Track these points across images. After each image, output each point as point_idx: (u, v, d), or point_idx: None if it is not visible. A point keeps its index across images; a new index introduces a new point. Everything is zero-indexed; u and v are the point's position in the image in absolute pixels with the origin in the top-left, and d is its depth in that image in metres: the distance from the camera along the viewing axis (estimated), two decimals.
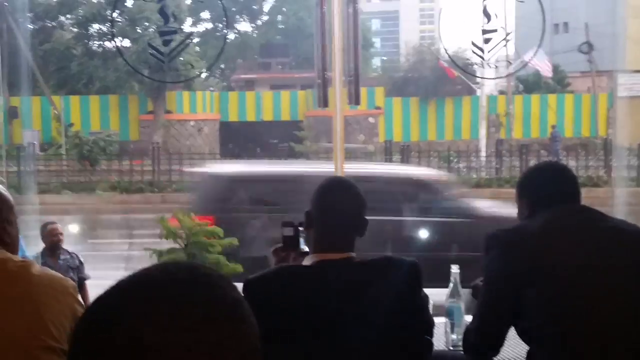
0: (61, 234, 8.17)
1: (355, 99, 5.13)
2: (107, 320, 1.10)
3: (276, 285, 2.84)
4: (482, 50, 5.43)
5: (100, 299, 1.14)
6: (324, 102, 5.12)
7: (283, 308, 2.77)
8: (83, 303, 2.85)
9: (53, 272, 2.91)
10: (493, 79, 21.99)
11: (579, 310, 3.03)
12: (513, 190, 3.49)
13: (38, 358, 2.59)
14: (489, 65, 5.39)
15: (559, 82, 40.10)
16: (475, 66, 5.67)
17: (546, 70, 33.81)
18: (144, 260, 15.50)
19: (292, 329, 2.75)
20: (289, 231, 3.40)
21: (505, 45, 5.51)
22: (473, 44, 5.54)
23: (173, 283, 1.14)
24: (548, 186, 3.32)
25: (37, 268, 2.76)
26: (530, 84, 39.67)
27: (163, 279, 1.14)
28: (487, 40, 5.43)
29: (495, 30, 5.43)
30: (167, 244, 9.96)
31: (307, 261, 2.99)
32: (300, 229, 3.31)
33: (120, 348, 1.06)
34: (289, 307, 2.79)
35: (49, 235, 8.05)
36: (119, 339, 1.07)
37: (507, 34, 5.62)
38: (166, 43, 5.20)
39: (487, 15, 5.39)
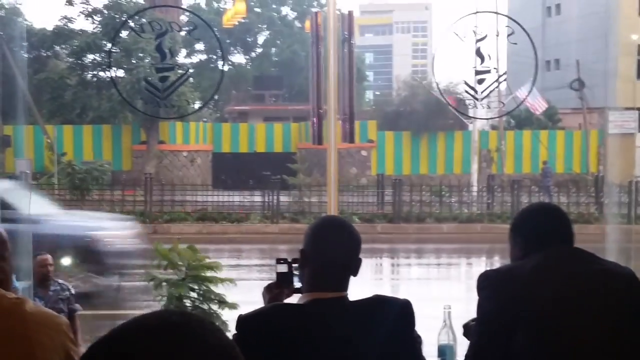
0: (51, 265, 8.15)
1: (349, 137, 5.17)
2: None
3: (269, 323, 2.84)
4: (474, 90, 5.46)
5: (93, 348, 1.14)
6: (318, 139, 5.15)
7: (276, 346, 2.78)
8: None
9: (46, 309, 2.91)
10: (486, 119, 22.06)
11: (568, 354, 3.04)
12: (504, 226, 3.52)
13: None
14: (482, 106, 5.42)
15: (550, 118, 40.26)
16: (468, 102, 5.68)
17: (539, 108, 33.98)
18: (134, 291, 15.46)
19: None
20: (282, 268, 3.40)
21: (498, 86, 5.54)
22: (466, 83, 5.57)
23: (168, 331, 1.14)
24: (541, 228, 3.34)
25: (31, 305, 2.76)
26: (522, 120, 39.84)
27: (158, 325, 1.15)
28: (480, 81, 5.46)
29: (488, 71, 5.46)
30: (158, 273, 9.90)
31: (300, 300, 3.00)
32: (294, 265, 3.32)
33: None
34: (282, 346, 2.79)
35: (38, 265, 8.03)
36: None
37: (501, 75, 5.65)
38: (163, 79, 5.23)
39: (480, 56, 5.42)
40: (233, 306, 9.06)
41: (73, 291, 8.34)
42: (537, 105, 33.28)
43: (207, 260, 9.52)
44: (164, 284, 9.47)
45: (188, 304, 9.32)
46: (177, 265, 9.47)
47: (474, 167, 32.59)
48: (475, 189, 30.03)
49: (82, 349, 2.86)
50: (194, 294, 9.46)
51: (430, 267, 20.95)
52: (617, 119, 33.12)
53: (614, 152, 30.94)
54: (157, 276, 9.60)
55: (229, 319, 8.48)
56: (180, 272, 9.55)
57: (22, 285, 7.76)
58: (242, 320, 2.81)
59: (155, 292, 9.60)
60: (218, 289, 9.54)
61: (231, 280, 9.46)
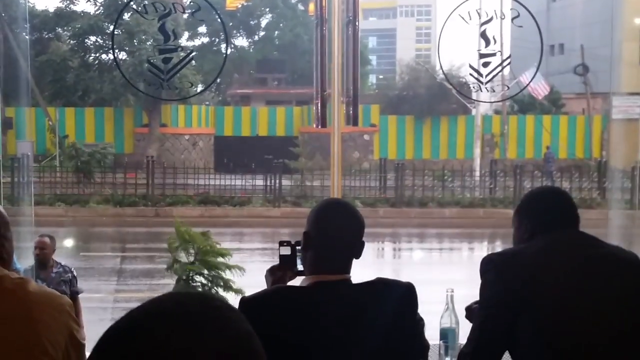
0: (46, 247, 8.12)
1: (353, 120, 5.15)
2: (117, 355, 1.09)
3: (272, 306, 2.83)
4: (479, 73, 5.44)
5: (111, 330, 1.12)
6: (322, 122, 5.13)
7: (278, 328, 2.77)
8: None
9: (49, 289, 2.91)
10: (490, 102, 22.00)
11: (572, 337, 3.03)
12: (506, 211, 3.51)
13: None
14: (486, 89, 5.39)
15: (554, 103, 40.19)
16: (471, 86, 5.66)
17: (541, 92, 33.90)
18: (136, 274, 15.50)
19: (286, 350, 2.75)
20: (285, 250, 3.39)
21: (502, 69, 5.52)
22: (470, 66, 5.55)
23: (186, 316, 1.12)
24: (547, 211, 3.33)
25: (34, 285, 2.77)
26: (525, 105, 39.77)
27: (175, 311, 1.13)
28: (485, 64, 5.44)
29: (493, 54, 5.44)
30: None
31: (303, 282, 2.99)
32: (298, 248, 3.31)
33: None
34: (284, 328, 2.79)
35: (35, 248, 8.05)
36: None
37: (506, 59, 5.63)
38: (166, 61, 5.21)
39: (485, 39, 5.40)
40: (239, 291, 9.09)
41: (75, 273, 8.35)
42: (540, 89, 33.21)
43: (218, 247, 9.57)
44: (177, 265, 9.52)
45: (197, 286, 9.38)
46: (188, 247, 9.52)
47: (477, 151, 32.58)
48: (477, 173, 30.04)
49: (84, 330, 2.86)
50: (201, 278, 9.50)
51: (432, 251, 20.99)
52: (621, 104, 33.04)
53: (618, 137, 30.90)
54: (179, 259, 9.66)
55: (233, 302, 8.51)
56: (190, 254, 9.59)
57: (24, 267, 7.78)
58: (244, 303, 2.81)
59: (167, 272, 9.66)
60: (226, 274, 9.59)
61: (240, 268, 9.50)
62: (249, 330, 1.17)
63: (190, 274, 9.48)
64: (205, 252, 9.53)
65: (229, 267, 9.50)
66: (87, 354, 2.64)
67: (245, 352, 1.13)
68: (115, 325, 1.13)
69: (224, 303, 1.18)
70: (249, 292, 2.92)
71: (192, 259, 9.60)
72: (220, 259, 9.58)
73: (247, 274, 9.69)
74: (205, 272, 9.49)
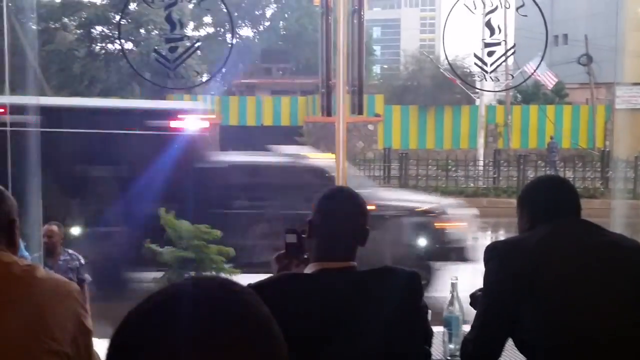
0: (54, 235, 8.15)
1: (358, 109, 5.17)
2: (138, 338, 1.09)
3: (278, 293, 2.83)
4: (484, 62, 5.44)
5: (130, 315, 1.13)
6: (327, 111, 5.15)
7: (283, 316, 2.78)
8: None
9: (58, 276, 2.92)
10: (495, 91, 21.95)
11: (576, 324, 3.05)
12: (510, 200, 3.52)
13: None
14: (490, 78, 5.40)
15: (557, 93, 40.11)
16: (475, 77, 5.66)
17: (549, 82, 33.85)
18: None
19: (291, 337, 2.75)
20: (292, 238, 3.40)
21: (506, 59, 5.53)
22: (475, 55, 5.56)
23: (207, 300, 1.13)
24: (549, 200, 3.35)
25: (42, 272, 2.77)
26: (529, 95, 39.71)
27: (196, 296, 1.13)
28: (490, 53, 5.44)
29: (498, 44, 5.44)
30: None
31: (308, 269, 3.01)
32: (303, 236, 3.33)
33: None
34: (290, 315, 2.79)
35: (44, 236, 8.07)
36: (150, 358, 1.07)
37: (511, 48, 5.64)
38: (172, 50, 5.23)
39: (490, 28, 5.40)
40: (234, 272, 9.14)
41: (83, 261, 8.38)
42: (547, 79, 33.16)
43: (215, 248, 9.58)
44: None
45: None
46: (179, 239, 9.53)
47: (481, 141, 32.54)
48: (481, 163, 30.01)
49: (91, 318, 2.88)
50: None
51: None
52: (625, 94, 32.97)
53: (621, 127, 30.80)
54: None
55: None
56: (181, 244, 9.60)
57: (32, 254, 7.81)
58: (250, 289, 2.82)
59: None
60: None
61: (229, 252, 9.51)
62: (269, 314, 1.17)
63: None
64: (196, 236, 9.54)
65: (219, 250, 9.54)
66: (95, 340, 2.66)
67: (265, 336, 1.14)
68: (135, 309, 1.13)
69: (243, 287, 1.18)
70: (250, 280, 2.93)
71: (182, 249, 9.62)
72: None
73: None
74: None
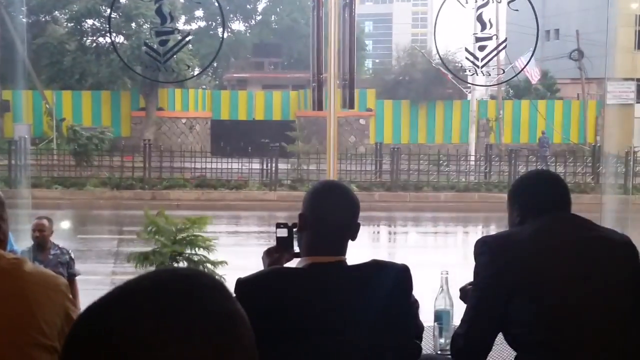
0: (45, 229, 8.14)
1: (349, 103, 5.17)
2: (94, 333, 1.08)
3: (268, 287, 2.84)
4: (475, 57, 5.44)
5: (90, 310, 1.12)
6: (318, 105, 5.15)
7: (273, 310, 2.78)
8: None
9: (45, 269, 2.92)
10: (486, 86, 22.02)
11: (566, 319, 3.06)
12: (501, 195, 3.52)
13: (29, 355, 2.59)
14: (482, 73, 5.40)
15: (549, 89, 40.19)
16: (467, 72, 5.66)
17: (534, 76, 33.94)
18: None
19: (281, 331, 2.76)
20: (282, 232, 3.39)
21: (498, 53, 5.53)
22: (466, 50, 5.56)
23: (164, 293, 1.11)
24: (539, 194, 3.34)
25: (30, 265, 2.76)
26: (521, 90, 39.77)
27: (155, 289, 1.12)
28: (481, 48, 5.45)
29: (489, 38, 5.45)
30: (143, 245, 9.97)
31: (299, 263, 3.01)
32: (294, 230, 3.33)
33: None
34: (280, 309, 2.80)
35: (33, 230, 8.06)
36: (105, 353, 1.06)
37: (502, 42, 5.64)
38: (163, 43, 5.22)
39: (481, 22, 5.40)
40: (221, 263, 9.15)
41: (73, 255, 8.37)
42: (532, 74, 33.28)
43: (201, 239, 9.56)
44: (152, 256, 9.53)
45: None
46: (161, 235, 9.51)
47: (472, 136, 32.61)
48: (473, 158, 30.08)
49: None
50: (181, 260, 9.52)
51: (427, 235, 21.02)
52: (616, 89, 33.05)
53: (612, 122, 30.86)
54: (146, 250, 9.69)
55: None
56: (161, 242, 9.58)
57: (21, 248, 7.80)
58: (240, 283, 2.82)
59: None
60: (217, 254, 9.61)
61: (210, 240, 9.50)
62: (233, 312, 1.14)
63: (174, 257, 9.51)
64: (185, 229, 9.55)
65: (204, 241, 9.54)
66: None
67: (223, 331, 1.11)
68: (96, 301, 1.12)
69: (210, 281, 1.16)
70: (242, 274, 2.93)
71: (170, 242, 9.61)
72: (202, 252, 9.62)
73: (243, 256, 9.71)
74: (188, 251, 9.51)
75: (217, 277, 1.22)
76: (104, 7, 33.01)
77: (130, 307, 1.10)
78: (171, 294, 1.11)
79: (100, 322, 1.09)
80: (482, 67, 5.41)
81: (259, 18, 49.62)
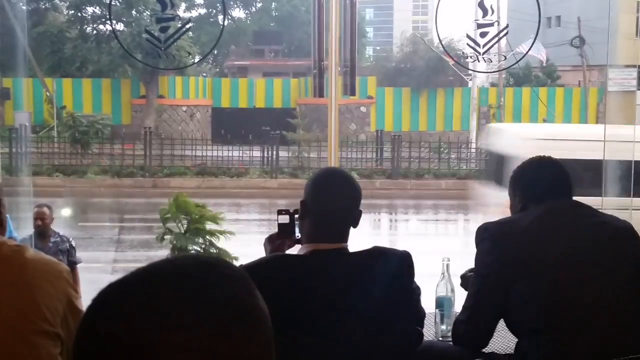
0: (46, 217, 8.15)
1: (350, 90, 5.16)
2: (113, 309, 1.09)
3: (269, 274, 2.83)
4: (477, 43, 5.43)
5: (112, 286, 1.12)
6: (319, 91, 5.14)
7: (275, 296, 2.77)
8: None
9: (47, 256, 2.92)
10: (488, 72, 21.99)
11: (568, 304, 3.06)
12: None
13: (32, 342, 2.59)
14: (483, 59, 5.39)
15: (550, 76, 40.10)
16: (468, 58, 5.65)
17: (542, 57, 33.86)
18: (134, 244, 15.53)
19: (283, 317, 2.76)
20: (284, 219, 3.39)
21: (499, 40, 5.52)
22: (468, 36, 5.55)
23: (185, 278, 1.11)
24: (541, 181, 3.34)
25: (32, 252, 2.77)
26: (521, 77, 39.67)
27: (177, 274, 1.12)
28: (483, 34, 5.44)
29: (491, 24, 5.44)
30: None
31: (300, 250, 3.01)
32: (296, 217, 3.32)
33: (124, 346, 1.05)
34: (282, 296, 2.80)
35: (34, 218, 8.07)
36: (122, 337, 1.06)
37: (503, 29, 5.63)
38: (163, 30, 5.22)
39: (483, 9, 5.40)
40: (235, 259, 9.16)
41: (73, 243, 8.37)
42: (542, 56, 33.23)
43: (210, 214, 9.62)
44: (168, 236, 9.58)
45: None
46: (180, 217, 9.57)
47: (473, 123, 32.55)
48: (474, 145, 30.04)
49: (82, 300, 2.88)
50: (196, 247, 9.57)
51: (428, 222, 21.03)
52: (617, 76, 32.98)
53: (614, 109, 30.86)
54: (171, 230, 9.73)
55: None
56: (182, 225, 9.65)
57: (22, 236, 7.80)
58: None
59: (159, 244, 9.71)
60: (220, 242, 9.65)
61: (231, 232, 9.55)
62: (253, 306, 1.14)
63: (185, 244, 9.55)
64: (196, 220, 9.59)
65: (220, 233, 9.58)
66: None
67: (243, 318, 1.11)
68: (114, 283, 1.12)
69: (235, 272, 1.15)
70: (244, 261, 2.93)
71: (184, 229, 9.66)
72: (211, 225, 9.67)
73: (244, 244, 9.72)
74: (200, 240, 9.56)
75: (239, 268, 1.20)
76: None
77: (150, 288, 1.10)
78: (192, 279, 1.11)
79: (120, 299, 1.09)
80: (484, 53, 5.41)
81: (259, 5, 49.50)
